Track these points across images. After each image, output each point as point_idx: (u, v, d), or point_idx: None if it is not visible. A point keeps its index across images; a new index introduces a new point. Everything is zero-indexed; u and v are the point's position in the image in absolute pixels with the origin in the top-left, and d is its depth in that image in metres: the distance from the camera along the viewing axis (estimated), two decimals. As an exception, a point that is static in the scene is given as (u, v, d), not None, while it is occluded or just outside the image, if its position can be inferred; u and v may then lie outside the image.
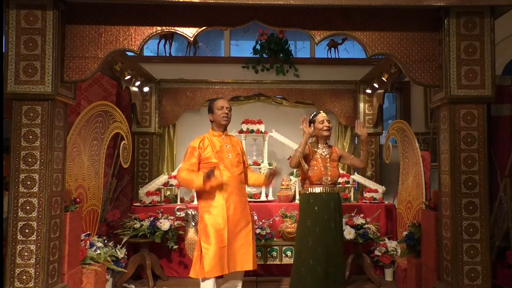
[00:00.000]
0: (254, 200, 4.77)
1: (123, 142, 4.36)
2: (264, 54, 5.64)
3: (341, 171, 5.13)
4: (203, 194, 3.18)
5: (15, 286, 2.96)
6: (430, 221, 3.41)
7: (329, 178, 3.37)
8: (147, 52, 6.13)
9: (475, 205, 3.10)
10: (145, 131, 5.25)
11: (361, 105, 5.41)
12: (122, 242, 4.11)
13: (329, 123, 3.44)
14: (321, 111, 3.55)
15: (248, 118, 5.01)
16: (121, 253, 3.95)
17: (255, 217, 4.41)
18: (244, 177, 3.34)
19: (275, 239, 4.36)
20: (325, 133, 3.43)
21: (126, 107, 5.18)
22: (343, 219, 4.38)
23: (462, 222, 3.09)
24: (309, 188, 3.37)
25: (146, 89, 5.11)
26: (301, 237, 3.33)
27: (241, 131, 4.92)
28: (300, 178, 3.63)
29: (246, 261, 3.13)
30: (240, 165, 3.27)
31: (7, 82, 3.01)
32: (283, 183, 4.87)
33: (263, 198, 4.82)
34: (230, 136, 3.38)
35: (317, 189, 3.35)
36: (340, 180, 4.95)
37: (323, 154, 3.42)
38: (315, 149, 3.44)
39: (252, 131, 4.90)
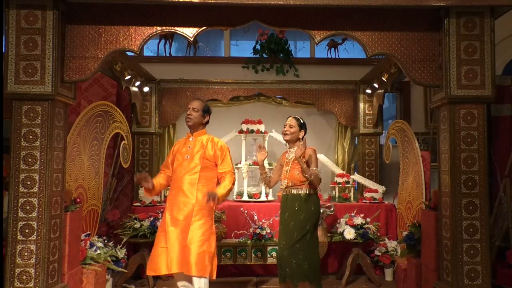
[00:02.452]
0: (254, 200, 4.77)
1: (123, 142, 4.36)
2: (264, 54, 5.64)
3: (340, 171, 5.16)
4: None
5: (15, 286, 2.96)
6: (430, 221, 3.41)
7: (286, 181, 3.43)
8: (147, 52, 6.13)
9: (475, 205, 3.10)
10: (145, 131, 5.25)
11: (361, 105, 5.41)
12: (122, 242, 4.11)
13: (291, 127, 3.44)
14: (291, 116, 3.55)
15: (248, 118, 5.01)
16: (121, 253, 3.95)
17: (255, 217, 4.41)
18: (198, 179, 3.21)
19: (275, 239, 4.35)
20: (284, 138, 3.50)
21: (126, 107, 5.17)
22: (343, 219, 4.41)
23: (462, 222, 3.09)
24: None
25: (146, 89, 5.10)
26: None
27: (241, 131, 4.92)
28: None
29: (184, 264, 3.03)
30: (194, 167, 3.23)
31: (7, 82, 3.01)
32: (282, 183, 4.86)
33: (263, 198, 4.82)
34: (203, 136, 3.35)
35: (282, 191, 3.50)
36: (340, 180, 4.96)
37: (287, 158, 3.47)
38: (286, 154, 3.53)
39: (252, 131, 4.90)
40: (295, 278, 3.24)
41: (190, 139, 3.35)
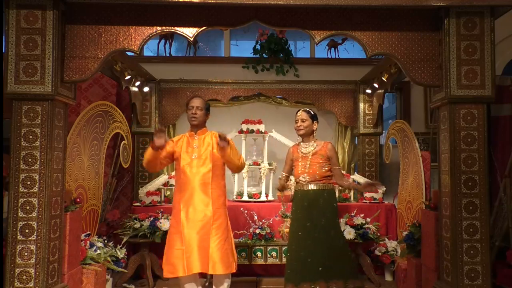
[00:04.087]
0: (254, 200, 4.77)
1: (123, 142, 4.36)
2: (264, 54, 5.64)
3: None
4: (173, 200, 3.36)
5: (15, 286, 2.96)
6: (430, 221, 3.41)
7: (306, 176, 3.32)
8: (147, 52, 6.13)
9: (475, 205, 3.10)
10: (145, 131, 5.25)
11: (361, 105, 5.41)
12: (122, 242, 4.11)
13: (303, 122, 3.36)
14: (301, 109, 3.45)
15: (248, 118, 5.01)
16: (121, 253, 3.95)
17: (255, 217, 4.41)
18: (212, 177, 3.22)
19: (275, 239, 4.36)
20: (299, 133, 3.41)
21: (126, 107, 5.17)
22: (343, 219, 4.40)
23: (462, 222, 3.09)
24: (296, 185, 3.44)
25: (146, 89, 5.10)
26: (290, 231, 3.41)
27: (241, 131, 4.92)
28: None
29: (204, 263, 3.06)
30: (206, 165, 3.22)
31: (7, 82, 3.01)
32: (283, 183, 4.86)
33: (263, 198, 4.82)
34: (207, 133, 3.35)
35: (298, 187, 3.38)
36: (340, 180, 4.95)
37: (304, 152, 3.37)
38: (299, 148, 3.43)
39: (252, 131, 4.90)
40: (346, 276, 3.17)
41: (195, 138, 3.33)
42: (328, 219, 3.25)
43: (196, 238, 3.10)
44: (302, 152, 3.38)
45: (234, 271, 3.22)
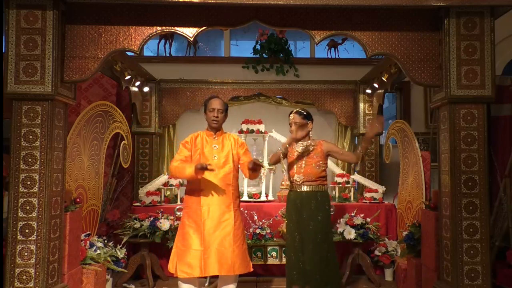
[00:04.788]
0: (254, 200, 4.77)
1: (123, 142, 4.36)
2: (264, 54, 5.64)
3: (340, 171, 5.15)
4: (186, 197, 3.27)
5: (15, 286, 2.96)
6: (430, 221, 3.41)
7: (301, 176, 3.25)
8: (147, 52, 6.13)
9: (475, 205, 3.10)
10: (145, 131, 5.25)
11: (361, 105, 5.41)
12: (122, 242, 4.11)
13: (297, 124, 3.27)
14: (294, 110, 3.35)
15: (248, 118, 5.01)
16: (121, 253, 3.95)
17: (255, 217, 4.41)
18: (232, 178, 3.22)
19: (275, 239, 4.35)
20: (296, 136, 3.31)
21: (126, 107, 5.17)
22: (343, 219, 4.41)
23: (462, 222, 3.09)
24: (290, 185, 3.40)
25: (146, 89, 5.10)
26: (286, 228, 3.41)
27: (241, 131, 4.92)
28: None
29: (223, 264, 3.04)
30: (227, 166, 3.21)
31: (7, 82, 3.01)
32: (283, 183, 4.87)
33: (263, 198, 4.82)
34: (224, 135, 3.34)
35: (291, 187, 3.33)
36: (340, 180, 4.96)
37: (300, 151, 3.28)
38: (295, 146, 3.33)
39: (252, 131, 4.90)
40: (328, 285, 3.11)
41: (215, 138, 3.28)
42: (318, 223, 3.16)
43: (217, 239, 3.07)
44: (297, 151, 3.30)
45: (252, 270, 3.24)
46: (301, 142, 3.31)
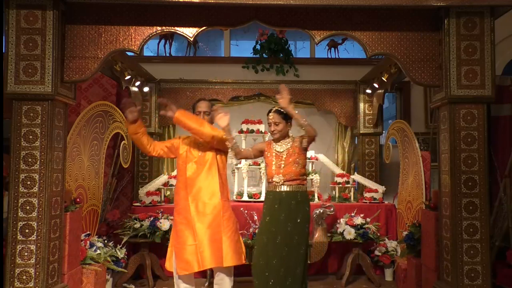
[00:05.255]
0: (254, 200, 4.76)
1: (123, 142, 4.36)
2: (264, 54, 5.64)
3: (340, 171, 5.15)
4: (175, 196, 3.33)
5: (15, 286, 2.96)
6: (430, 221, 3.41)
7: (281, 176, 3.07)
8: (147, 52, 6.13)
9: (475, 205, 3.10)
10: (145, 131, 5.24)
11: (361, 105, 5.41)
12: (122, 242, 4.11)
13: (277, 125, 3.10)
14: (273, 109, 3.17)
15: (248, 118, 5.00)
16: (121, 253, 3.95)
17: (255, 217, 4.41)
18: (216, 169, 3.21)
19: (275, 239, 4.35)
20: (274, 137, 3.17)
21: (126, 107, 5.17)
22: (343, 219, 4.40)
23: (462, 222, 3.08)
24: (268, 185, 3.22)
25: (146, 89, 5.10)
26: (258, 230, 3.21)
27: (241, 131, 4.92)
28: None
29: (217, 257, 3.06)
30: (209, 159, 3.20)
31: (7, 82, 3.01)
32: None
33: (263, 198, 4.81)
34: None
35: (270, 188, 3.15)
36: (340, 180, 4.95)
37: (279, 151, 3.13)
38: (273, 146, 3.18)
39: (252, 131, 4.90)
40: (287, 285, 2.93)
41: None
42: (296, 225, 3.01)
43: (208, 232, 3.09)
44: (276, 151, 3.14)
45: (245, 262, 3.22)
46: (280, 142, 3.16)
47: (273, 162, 3.13)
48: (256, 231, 4.22)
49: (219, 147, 3.21)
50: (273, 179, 3.11)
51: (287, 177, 3.07)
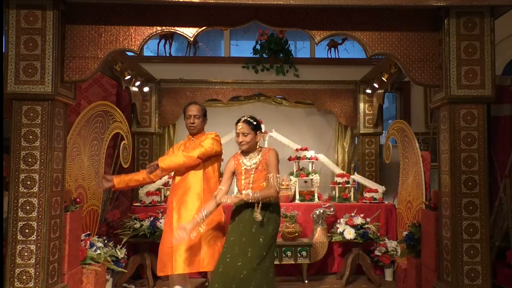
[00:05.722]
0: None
1: (123, 142, 4.36)
2: (264, 54, 5.64)
3: (340, 171, 5.15)
4: (168, 198, 3.41)
5: (15, 286, 2.95)
6: (430, 221, 3.41)
7: (250, 192, 2.86)
8: (147, 52, 6.13)
9: (475, 205, 3.10)
10: (145, 131, 5.25)
11: (361, 105, 5.41)
12: (122, 242, 4.11)
13: (245, 136, 2.94)
14: (242, 119, 3.00)
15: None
16: (121, 253, 3.95)
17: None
18: (202, 174, 3.21)
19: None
20: (241, 148, 2.99)
21: (126, 107, 5.17)
22: (343, 219, 4.40)
23: (462, 222, 3.09)
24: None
25: (146, 89, 5.10)
26: (225, 241, 2.99)
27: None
28: None
29: (193, 261, 3.08)
30: (199, 165, 3.19)
31: (7, 82, 3.01)
32: (283, 183, 4.87)
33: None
34: (202, 136, 3.33)
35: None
36: (340, 180, 4.95)
37: (247, 165, 2.97)
38: (241, 160, 3.02)
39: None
40: None
41: (192, 140, 3.38)
42: (267, 236, 2.86)
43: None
44: (245, 165, 2.98)
45: None
46: (248, 156, 3.00)
47: (242, 177, 2.97)
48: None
49: (208, 159, 3.24)
50: (242, 193, 2.92)
51: None
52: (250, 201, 2.84)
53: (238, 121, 3.01)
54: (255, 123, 2.99)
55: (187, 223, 2.91)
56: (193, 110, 3.33)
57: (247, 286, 2.72)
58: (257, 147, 3.04)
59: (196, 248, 3.09)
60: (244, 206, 2.93)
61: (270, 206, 2.94)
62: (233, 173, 3.06)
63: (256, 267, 2.75)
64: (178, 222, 3.13)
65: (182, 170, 3.22)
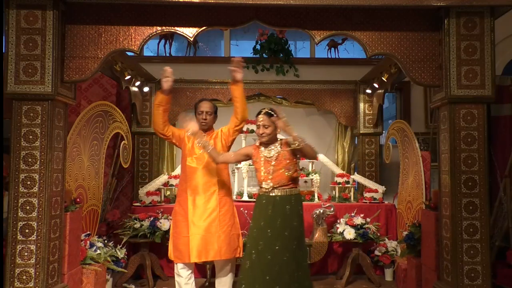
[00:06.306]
0: (254, 200, 4.74)
1: (123, 142, 4.35)
2: (264, 54, 5.64)
3: (340, 171, 5.15)
4: (178, 187, 3.45)
5: (15, 286, 2.95)
6: (430, 221, 3.41)
7: (270, 182, 2.97)
8: (147, 52, 6.12)
9: (475, 205, 3.10)
10: (145, 131, 5.25)
11: (361, 105, 5.41)
12: (122, 242, 4.11)
13: (266, 128, 3.01)
14: (262, 111, 3.10)
15: (248, 118, 4.99)
16: (121, 253, 3.95)
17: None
18: (217, 167, 3.29)
19: (275, 239, 4.35)
20: (261, 140, 3.06)
21: (126, 107, 5.17)
22: (343, 219, 4.40)
23: (462, 222, 3.08)
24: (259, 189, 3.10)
25: (146, 89, 5.11)
26: (248, 236, 3.08)
27: (241, 131, 4.91)
28: None
29: (209, 250, 3.17)
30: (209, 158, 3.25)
31: (7, 82, 3.01)
32: (283, 183, 4.86)
33: (263, 198, 4.81)
34: (214, 132, 3.44)
35: (261, 191, 3.05)
36: (340, 180, 4.95)
37: (267, 156, 3.03)
38: (261, 150, 3.08)
39: (252, 131, 4.89)
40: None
41: (204, 135, 3.34)
42: (294, 229, 2.94)
43: (202, 226, 3.19)
44: (264, 156, 3.04)
45: (240, 255, 3.31)
46: (268, 148, 3.06)
47: (262, 168, 3.03)
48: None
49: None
50: (263, 186, 3.02)
51: (278, 184, 2.98)
52: (296, 141, 2.89)
53: (259, 113, 3.10)
54: (275, 114, 3.05)
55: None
56: (206, 106, 3.40)
57: (282, 279, 2.82)
58: (277, 138, 3.11)
59: (213, 237, 3.18)
60: (266, 201, 2.99)
61: (292, 198, 3.00)
62: (247, 157, 3.20)
63: (287, 260, 2.85)
64: (193, 212, 3.21)
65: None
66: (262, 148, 3.09)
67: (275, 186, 2.98)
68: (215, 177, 3.30)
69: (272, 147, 3.07)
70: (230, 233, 3.25)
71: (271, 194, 2.99)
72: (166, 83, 3.23)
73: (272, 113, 3.05)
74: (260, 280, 2.83)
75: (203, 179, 3.27)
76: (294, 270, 2.88)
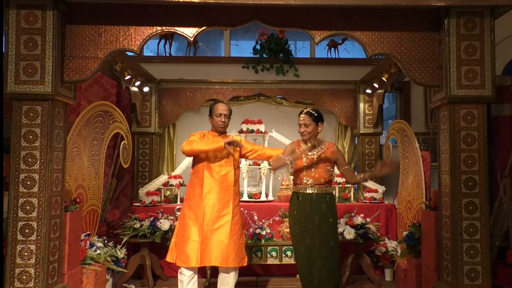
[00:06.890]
0: (254, 200, 4.76)
1: (123, 142, 4.36)
2: (264, 54, 5.64)
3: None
4: (189, 189, 3.41)
5: (15, 286, 2.96)
6: (430, 221, 3.41)
7: (310, 179, 3.19)
8: (147, 52, 6.13)
9: (475, 205, 3.10)
10: (145, 131, 5.25)
11: (361, 105, 5.41)
12: (122, 242, 4.11)
13: (307, 126, 3.17)
14: (304, 110, 3.25)
15: (248, 118, 5.01)
16: (121, 253, 3.95)
17: (255, 217, 4.41)
18: (233, 176, 3.36)
19: (275, 239, 4.36)
20: (303, 138, 3.24)
21: (126, 107, 5.18)
22: (343, 219, 4.40)
23: (462, 222, 3.09)
24: (295, 187, 3.27)
25: (146, 89, 5.10)
26: (290, 235, 3.30)
27: (241, 131, 4.92)
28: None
29: (218, 257, 3.20)
30: (228, 165, 3.34)
31: (7, 82, 3.01)
32: (283, 183, 4.87)
33: (263, 198, 4.82)
34: (226, 135, 3.45)
35: (297, 189, 3.23)
36: (340, 180, 4.95)
37: (310, 154, 3.20)
38: (302, 146, 3.26)
39: (252, 131, 4.90)
40: (326, 281, 3.06)
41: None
42: (330, 226, 3.16)
43: (214, 232, 3.23)
44: (308, 155, 3.21)
45: (246, 264, 3.38)
46: (313, 147, 3.23)
47: (304, 164, 3.20)
48: (256, 231, 4.25)
49: (236, 162, 3.43)
50: (303, 181, 3.20)
51: (317, 181, 3.18)
52: (360, 181, 3.57)
53: (301, 112, 3.25)
54: (316, 114, 3.22)
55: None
56: (225, 109, 3.43)
57: (322, 273, 3.06)
58: (318, 137, 3.26)
59: (223, 244, 3.21)
60: (302, 198, 3.18)
61: (327, 196, 3.20)
62: (293, 153, 3.25)
63: (325, 255, 3.07)
64: (208, 217, 3.24)
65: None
66: (304, 145, 3.26)
67: (314, 183, 3.18)
68: (231, 185, 3.35)
69: (316, 148, 3.23)
70: (238, 242, 3.30)
71: (307, 191, 3.18)
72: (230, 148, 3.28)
73: (313, 112, 3.22)
74: (311, 273, 3.09)
75: (221, 186, 3.31)
76: (331, 267, 3.09)
